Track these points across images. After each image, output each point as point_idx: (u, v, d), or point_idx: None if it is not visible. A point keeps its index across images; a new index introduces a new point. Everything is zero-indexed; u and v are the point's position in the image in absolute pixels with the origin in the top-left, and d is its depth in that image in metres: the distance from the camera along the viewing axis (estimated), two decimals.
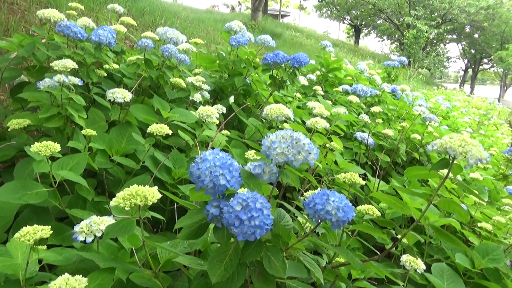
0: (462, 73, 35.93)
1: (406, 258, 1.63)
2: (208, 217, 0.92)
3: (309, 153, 0.96)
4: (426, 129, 3.67)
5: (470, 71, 32.58)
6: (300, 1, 38.03)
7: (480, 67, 30.77)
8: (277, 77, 2.56)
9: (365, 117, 3.42)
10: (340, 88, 4.07)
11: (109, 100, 1.89)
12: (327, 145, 2.41)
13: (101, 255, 1.08)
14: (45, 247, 1.28)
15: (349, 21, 32.69)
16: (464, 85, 32.04)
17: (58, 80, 1.64)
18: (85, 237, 1.17)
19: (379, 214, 1.52)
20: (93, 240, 1.21)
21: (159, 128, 1.76)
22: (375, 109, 3.64)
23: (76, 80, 1.70)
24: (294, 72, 2.51)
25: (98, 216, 1.21)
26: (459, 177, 3.22)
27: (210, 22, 10.38)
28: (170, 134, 1.79)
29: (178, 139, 2.16)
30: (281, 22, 22.09)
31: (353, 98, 3.50)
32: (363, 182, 1.62)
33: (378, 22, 30.50)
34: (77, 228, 1.19)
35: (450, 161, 1.11)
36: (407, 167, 3.61)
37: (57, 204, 1.58)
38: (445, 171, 1.30)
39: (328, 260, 1.33)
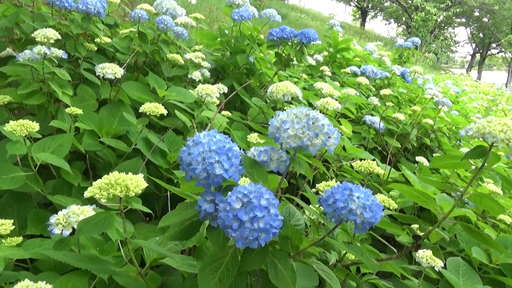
0: (469, 58, 35.33)
1: (422, 254, 1.48)
2: (200, 214, 0.76)
3: (329, 137, 0.79)
4: (438, 114, 3.48)
5: (477, 56, 32.00)
6: None
7: (488, 52, 30.20)
8: (283, 54, 2.38)
9: (374, 100, 3.24)
10: (348, 70, 3.87)
11: (98, 76, 1.72)
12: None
13: (74, 254, 0.92)
14: (20, 238, 1.13)
15: (355, 3, 31.98)
16: (471, 71, 31.53)
17: (38, 52, 1.47)
18: (62, 230, 1.02)
19: (396, 206, 1.37)
20: (72, 233, 1.07)
21: (153, 107, 1.59)
22: (385, 91, 3.45)
23: (60, 53, 1.53)
24: (301, 50, 2.32)
25: (78, 206, 1.06)
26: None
27: (213, 1, 10.07)
28: (165, 114, 1.62)
29: (175, 120, 2.00)
30: (286, 3, 21.60)
31: (362, 80, 3.31)
32: (382, 171, 1.46)
33: (386, 4, 29.84)
34: (52, 219, 1.04)
35: (488, 149, 0.95)
36: (416, 153, 3.45)
37: (39, 189, 1.43)
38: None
39: (339, 258, 1.18)
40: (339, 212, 0.74)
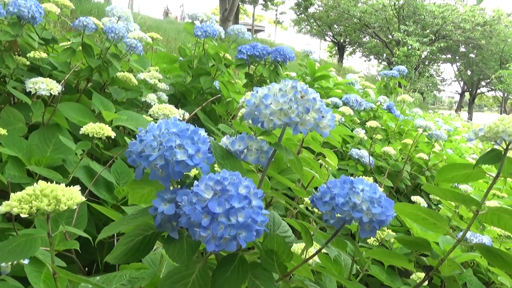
0: (457, 98, 37.41)
1: None
2: (155, 220, 0.68)
3: (322, 116, 0.75)
4: (432, 149, 3.57)
5: (466, 95, 33.94)
6: (276, 15, 39.07)
7: (478, 90, 32.13)
8: (254, 75, 2.39)
9: (360, 132, 3.28)
10: (329, 101, 3.95)
11: (30, 92, 1.64)
12: (319, 161, 2.23)
13: None
14: None
15: (331, 38, 33.65)
16: (461, 111, 33.28)
17: None
18: None
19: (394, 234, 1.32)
20: None
21: (97, 128, 1.52)
22: (372, 123, 3.52)
23: None
24: (276, 70, 2.35)
25: None
26: None
27: (171, 32, 10.32)
28: (113, 136, 1.55)
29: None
30: (255, 37, 22.45)
31: (345, 110, 3.37)
32: None
33: (364, 39, 31.57)
34: None
35: (504, 152, 0.93)
36: (410, 194, 3.47)
37: None
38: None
39: None
40: (340, 210, 0.68)
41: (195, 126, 0.73)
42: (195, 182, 0.65)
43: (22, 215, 0.69)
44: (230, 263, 0.68)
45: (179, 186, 0.73)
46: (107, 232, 0.69)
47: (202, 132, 0.72)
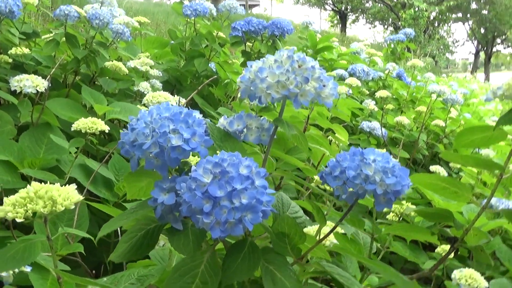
0: (472, 59, 37.03)
1: (460, 275, 1.43)
2: (156, 212, 0.68)
3: (323, 85, 0.74)
4: (448, 114, 3.54)
5: (481, 54, 33.58)
6: None
7: (494, 48, 31.75)
8: (252, 52, 2.37)
9: (370, 104, 3.26)
10: (334, 73, 3.91)
11: (15, 91, 1.63)
12: (328, 137, 2.22)
13: None
14: None
15: (332, 7, 33.29)
16: (476, 72, 32.96)
17: None
18: None
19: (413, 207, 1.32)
20: None
21: (89, 123, 1.52)
22: (382, 93, 3.49)
23: None
24: (274, 44, 2.32)
25: None
26: None
27: (160, 15, 10.25)
28: (107, 130, 1.55)
29: None
30: (250, 12, 22.27)
31: (352, 81, 3.33)
32: None
33: (367, 4, 31.19)
34: None
35: None
36: (428, 165, 3.47)
37: None
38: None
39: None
40: (352, 184, 0.68)
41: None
42: (193, 167, 0.65)
43: (18, 220, 0.69)
44: (240, 250, 0.68)
45: (177, 174, 0.72)
46: (107, 229, 0.69)
47: (196, 114, 0.71)
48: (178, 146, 0.67)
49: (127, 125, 0.73)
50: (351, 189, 0.70)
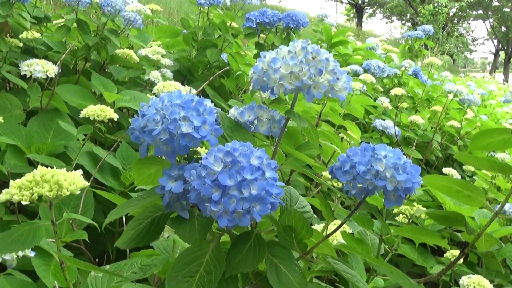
0: (491, 59, 36.60)
1: (468, 281, 1.43)
2: (164, 199, 0.69)
3: (337, 78, 0.75)
4: (464, 115, 3.51)
5: (501, 54, 33.18)
6: None
7: None
8: (265, 44, 2.37)
9: (384, 101, 3.24)
10: (348, 68, 3.90)
11: (25, 76, 1.65)
12: (340, 134, 2.22)
13: None
14: None
15: (348, 0, 33.07)
16: (495, 73, 32.59)
17: None
18: None
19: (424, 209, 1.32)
20: None
21: (98, 111, 1.53)
22: (397, 91, 3.47)
23: None
24: (289, 37, 2.32)
25: None
26: None
27: (173, 3, 10.24)
28: (116, 119, 1.56)
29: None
30: (264, 3, 22.21)
31: (367, 77, 3.32)
32: None
33: None
34: None
35: None
36: (441, 167, 3.45)
37: None
38: None
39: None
40: (361, 179, 0.69)
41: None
42: (203, 155, 0.66)
43: (23, 203, 0.71)
44: (245, 241, 0.69)
45: (186, 163, 0.74)
46: (114, 215, 0.71)
47: (208, 102, 0.73)
48: (187, 133, 0.68)
49: (139, 111, 0.74)
50: (360, 185, 0.71)
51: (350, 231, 1.30)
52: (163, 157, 0.73)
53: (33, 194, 0.71)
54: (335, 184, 1.50)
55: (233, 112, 0.83)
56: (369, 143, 2.30)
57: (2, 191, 0.73)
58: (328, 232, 0.76)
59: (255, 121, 0.81)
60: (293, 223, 0.71)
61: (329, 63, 0.77)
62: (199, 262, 0.66)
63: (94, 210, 1.51)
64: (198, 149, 0.80)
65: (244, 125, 0.82)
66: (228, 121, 0.80)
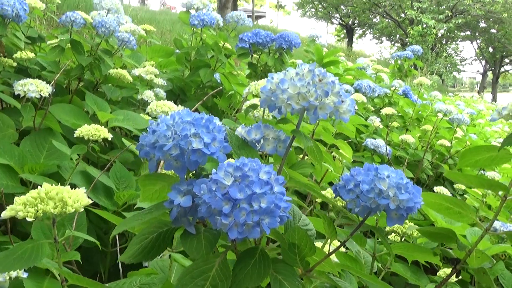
0: (479, 78, 37.16)
1: None
2: (171, 213, 0.71)
3: (342, 100, 0.78)
4: (454, 134, 3.56)
5: (489, 74, 33.70)
6: None
7: (502, 68, 31.87)
8: (258, 64, 2.40)
9: (375, 121, 3.28)
10: None
11: (19, 95, 1.66)
12: (332, 153, 2.23)
13: None
14: None
15: (339, 20, 33.53)
16: (484, 92, 33.04)
17: None
18: None
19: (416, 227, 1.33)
20: None
21: (92, 130, 1.53)
22: (387, 110, 3.52)
23: None
24: (281, 57, 2.35)
25: None
26: None
27: (165, 23, 10.34)
28: (110, 138, 1.57)
29: (125, 154, 1.94)
30: (255, 24, 22.46)
31: (357, 97, 3.36)
32: None
33: (375, 20, 31.41)
34: None
35: None
36: (432, 186, 3.47)
37: None
38: None
39: None
40: (365, 198, 0.72)
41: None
42: (213, 170, 0.68)
43: (28, 219, 0.71)
44: (250, 257, 0.70)
45: (194, 179, 0.75)
46: (121, 228, 0.72)
47: (217, 121, 0.75)
48: (198, 149, 0.70)
49: (148, 128, 0.76)
50: (364, 203, 0.73)
51: (343, 249, 1.31)
52: (168, 174, 0.74)
53: (38, 211, 0.72)
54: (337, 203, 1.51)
55: (240, 130, 0.86)
56: (362, 163, 2.33)
57: (7, 207, 0.74)
58: (329, 250, 0.77)
59: (261, 140, 0.84)
60: (297, 240, 0.73)
61: (335, 85, 0.81)
62: (206, 276, 0.68)
63: (87, 230, 1.51)
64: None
65: (251, 144, 0.85)
66: (235, 139, 0.83)
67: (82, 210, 0.75)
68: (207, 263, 0.69)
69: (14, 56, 2.00)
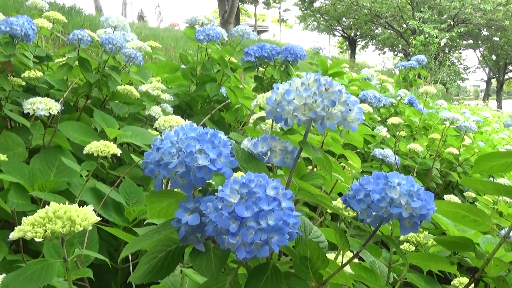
0: (483, 86, 37.09)
1: None
2: (179, 232, 0.69)
3: (349, 109, 0.76)
4: (462, 142, 3.53)
5: (493, 82, 33.64)
6: (280, 13, 39.28)
7: (506, 76, 31.80)
8: (264, 78, 2.40)
9: (382, 130, 3.27)
10: None
11: (28, 114, 1.67)
12: (341, 164, 2.22)
13: None
14: None
15: (341, 33, 33.66)
16: (488, 100, 32.95)
17: None
18: None
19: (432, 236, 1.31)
20: None
21: (101, 147, 1.54)
22: (394, 120, 3.51)
23: None
24: (287, 70, 2.36)
25: None
26: None
27: (169, 40, 10.44)
28: (119, 154, 1.57)
29: (134, 170, 1.94)
30: (259, 37, 22.60)
31: (364, 107, 3.35)
32: None
33: (377, 31, 31.51)
34: None
35: None
36: (441, 194, 3.44)
37: None
38: None
39: None
40: (376, 207, 0.69)
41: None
42: (219, 187, 0.66)
43: (37, 239, 0.71)
44: (262, 273, 0.69)
45: (201, 195, 0.74)
46: (130, 249, 0.70)
47: (222, 135, 0.74)
48: (204, 166, 0.69)
49: (152, 145, 0.75)
50: (375, 213, 0.71)
51: (356, 260, 1.29)
52: (175, 190, 0.73)
53: (46, 231, 0.71)
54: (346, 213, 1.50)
55: (246, 143, 0.84)
56: (370, 173, 2.33)
57: (15, 228, 0.73)
58: (343, 262, 0.76)
59: (268, 152, 0.82)
60: (309, 253, 0.71)
61: (342, 94, 0.79)
62: None
63: (98, 247, 1.50)
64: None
65: (258, 156, 0.84)
66: (242, 152, 0.82)
67: (91, 227, 0.74)
68: (218, 282, 0.68)
69: (22, 75, 2.02)
